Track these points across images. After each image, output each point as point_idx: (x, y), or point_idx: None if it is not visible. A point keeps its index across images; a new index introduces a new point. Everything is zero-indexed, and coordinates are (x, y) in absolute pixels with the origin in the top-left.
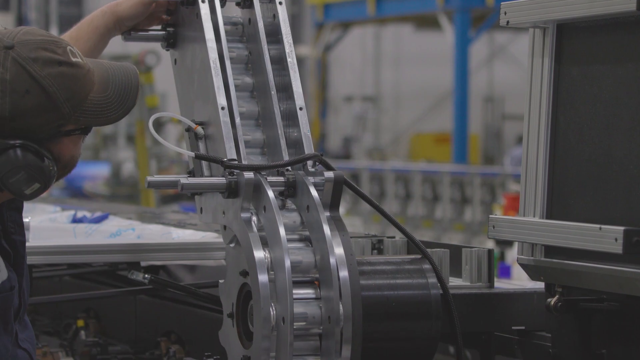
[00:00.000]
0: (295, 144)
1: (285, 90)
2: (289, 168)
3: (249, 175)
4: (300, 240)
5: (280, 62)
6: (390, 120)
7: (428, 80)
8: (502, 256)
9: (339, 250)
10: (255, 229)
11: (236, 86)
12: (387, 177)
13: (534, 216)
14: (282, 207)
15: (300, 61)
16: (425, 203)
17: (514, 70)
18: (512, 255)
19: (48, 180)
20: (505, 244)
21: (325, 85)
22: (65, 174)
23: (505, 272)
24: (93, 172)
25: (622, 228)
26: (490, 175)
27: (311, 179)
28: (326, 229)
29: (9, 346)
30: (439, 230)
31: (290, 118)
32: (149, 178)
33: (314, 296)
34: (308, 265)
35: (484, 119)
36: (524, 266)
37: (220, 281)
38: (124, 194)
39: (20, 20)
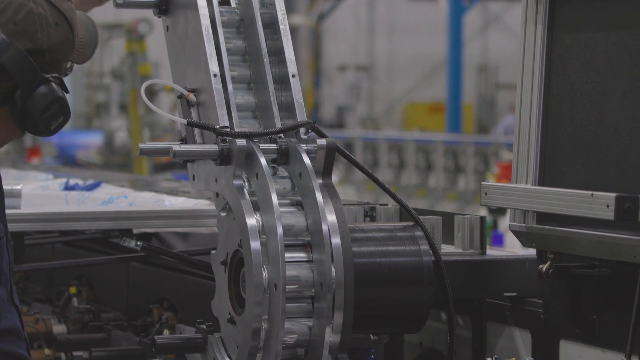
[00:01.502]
0: (287, 111)
1: (277, 56)
2: (282, 135)
3: (241, 142)
4: (291, 204)
5: (272, 28)
6: (383, 90)
7: (422, 49)
8: (494, 224)
9: (331, 217)
10: (247, 196)
11: (228, 50)
12: (380, 147)
13: (526, 183)
14: (275, 174)
15: (293, 30)
16: (418, 172)
17: (508, 40)
18: (505, 223)
19: (69, 113)
20: (498, 212)
21: (319, 54)
22: None
23: (498, 241)
24: (86, 141)
25: (613, 194)
26: (484, 144)
27: (304, 146)
28: (318, 196)
29: (4, 297)
30: (432, 199)
31: (283, 85)
32: (141, 145)
33: (306, 259)
34: (300, 229)
35: (478, 88)
36: (516, 233)
37: (212, 251)
38: (117, 162)
39: None
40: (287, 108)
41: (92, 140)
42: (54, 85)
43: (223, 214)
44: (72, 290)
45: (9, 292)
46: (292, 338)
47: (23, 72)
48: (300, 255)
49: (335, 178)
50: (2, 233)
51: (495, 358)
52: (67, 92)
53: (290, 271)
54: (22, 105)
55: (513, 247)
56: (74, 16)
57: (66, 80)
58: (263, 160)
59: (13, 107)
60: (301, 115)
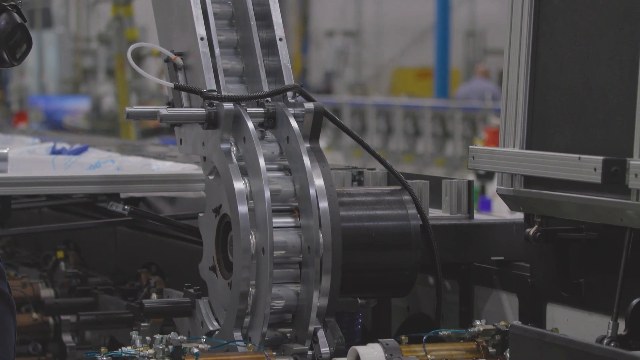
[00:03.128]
0: (274, 75)
1: (264, 21)
2: (269, 99)
3: (228, 106)
4: (279, 169)
5: None
6: (371, 55)
7: (409, 14)
8: (482, 190)
9: (318, 182)
10: (234, 159)
11: (215, 14)
12: (368, 112)
13: (514, 147)
14: (262, 138)
15: None
16: (406, 138)
17: (496, 4)
18: (493, 189)
19: (31, 41)
20: (486, 178)
21: (306, 19)
22: None
23: (486, 206)
24: (73, 107)
25: (600, 158)
26: (472, 109)
27: (291, 110)
28: (306, 160)
29: None
30: (420, 165)
31: (270, 49)
32: (128, 109)
33: (293, 224)
34: (287, 194)
35: (466, 54)
36: (503, 197)
37: (199, 214)
38: (104, 128)
39: None
40: (275, 72)
41: (79, 105)
42: (13, 13)
43: (211, 178)
44: (60, 254)
45: None
46: (279, 303)
47: None
48: (288, 220)
49: (323, 144)
50: None
51: (483, 321)
52: (25, 20)
53: (278, 237)
54: None
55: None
56: None
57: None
58: (250, 124)
59: None
60: (288, 80)
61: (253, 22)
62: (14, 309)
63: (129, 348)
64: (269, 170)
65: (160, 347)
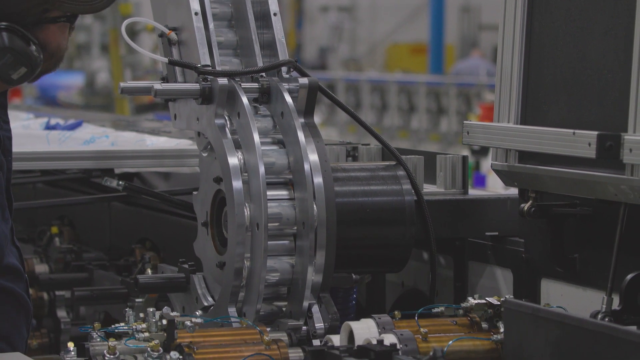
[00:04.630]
0: (269, 50)
1: None
2: (263, 74)
3: (222, 81)
4: (273, 143)
5: None
6: (366, 31)
7: None
8: (477, 166)
9: (313, 157)
10: (229, 135)
11: None
12: (363, 88)
13: (508, 122)
14: (256, 113)
15: None
16: (401, 114)
17: None
18: (487, 164)
19: (34, 65)
20: (480, 153)
21: None
22: (54, 65)
23: (480, 182)
24: (67, 82)
25: (595, 132)
26: (466, 85)
27: (285, 85)
28: (300, 135)
29: (7, 234)
30: (414, 141)
31: (264, 24)
32: (122, 84)
33: (288, 197)
34: (281, 166)
35: (460, 29)
36: (498, 172)
37: (193, 192)
38: (98, 103)
39: None
40: (269, 47)
41: (74, 81)
42: (4, 34)
43: (204, 155)
44: (54, 230)
45: (10, 233)
46: (274, 276)
47: None
48: (282, 193)
49: (317, 119)
50: (9, 173)
51: (477, 296)
52: (35, 43)
53: (273, 209)
54: None
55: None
56: None
57: None
58: (245, 99)
59: None
60: (283, 54)
61: None
62: (29, 310)
63: (122, 324)
64: (263, 144)
65: (154, 321)
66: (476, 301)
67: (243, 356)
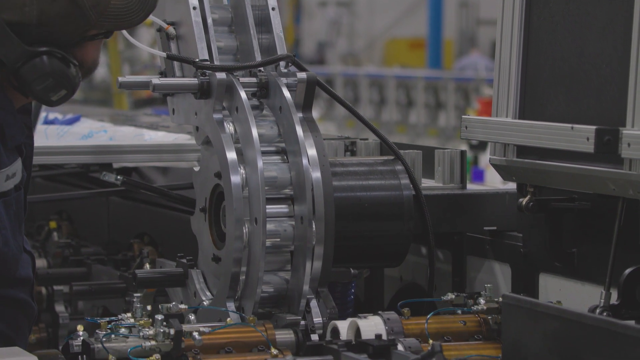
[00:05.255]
0: (267, 45)
1: None
2: (262, 69)
3: (221, 75)
4: (277, 152)
5: None
6: (364, 26)
7: None
8: (475, 161)
9: (311, 152)
10: (227, 129)
11: None
12: (361, 83)
13: (507, 116)
14: (255, 108)
15: None
16: (399, 108)
17: None
18: (486, 159)
19: (74, 86)
20: (478, 148)
21: None
22: (87, 77)
23: (479, 177)
24: None
25: (593, 127)
26: (465, 80)
27: (284, 80)
28: (299, 130)
29: (21, 245)
30: (413, 135)
31: (263, 19)
32: (121, 78)
33: (287, 215)
34: (284, 181)
35: (459, 24)
36: (496, 166)
37: (194, 168)
38: (97, 98)
39: None
40: (267, 42)
41: None
42: (45, 59)
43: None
44: (52, 224)
45: (23, 242)
46: (270, 288)
47: (2, 44)
48: (283, 208)
49: (315, 114)
50: (23, 182)
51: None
52: (75, 64)
53: (270, 226)
54: (15, 75)
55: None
56: None
57: None
58: (243, 94)
59: (7, 76)
60: (281, 49)
61: None
62: (34, 317)
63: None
64: (265, 154)
65: (162, 331)
66: (487, 305)
67: None
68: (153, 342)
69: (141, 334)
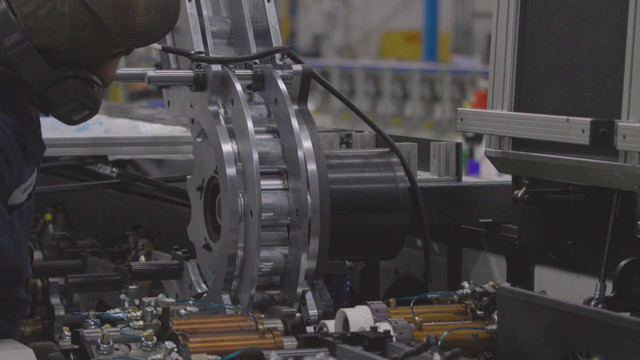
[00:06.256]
0: (262, 37)
1: None
2: (257, 61)
3: (216, 68)
4: (267, 132)
5: None
6: (360, 18)
7: None
8: (471, 153)
9: (307, 144)
10: (223, 122)
11: None
12: (357, 75)
13: (502, 108)
14: (250, 100)
15: None
16: (395, 101)
17: None
18: (481, 152)
19: (97, 106)
20: (474, 141)
21: None
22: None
23: (474, 169)
24: None
25: (589, 119)
26: (460, 72)
27: (279, 72)
28: (294, 122)
29: (27, 245)
30: (408, 128)
31: (258, 11)
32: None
33: (282, 187)
34: (276, 156)
35: (454, 17)
36: (492, 159)
37: (187, 176)
38: None
39: None
40: (263, 34)
41: None
42: (70, 82)
43: (199, 140)
44: (48, 217)
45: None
46: (267, 265)
47: (30, 68)
48: (276, 182)
49: (311, 107)
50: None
51: (472, 283)
52: (100, 85)
53: (266, 199)
54: (40, 96)
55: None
56: (112, 15)
57: None
58: (238, 86)
59: (31, 95)
60: (277, 42)
61: None
62: (27, 309)
63: (118, 310)
64: (257, 132)
65: (149, 310)
66: (471, 289)
67: (237, 344)
68: (141, 322)
69: (129, 316)
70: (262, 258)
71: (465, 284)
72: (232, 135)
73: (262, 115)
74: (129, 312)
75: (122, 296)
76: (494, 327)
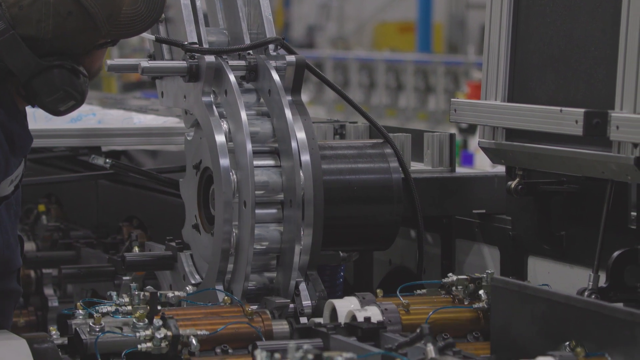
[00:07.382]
0: (256, 28)
1: None
2: (250, 52)
3: (210, 58)
4: (258, 114)
5: None
6: (354, 9)
7: None
8: (464, 144)
9: (300, 135)
10: (216, 112)
11: None
12: (351, 66)
13: (496, 99)
14: (244, 91)
15: None
16: (389, 92)
17: None
18: (475, 143)
19: (83, 96)
20: (468, 132)
21: None
22: (90, 81)
23: (468, 160)
24: None
25: (582, 110)
26: (454, 64)
27: (273, 63)
28: (288, 113)
29: (17, 238)
30: (402, 119)
31: (252, 2)
32: (109, 61)
33: (274, 165)
34: (266, 135)
35: (448, 8)
36: (485, 149)
37: (180, 180)
38: None
39: None
40: (256, 25)
41: None
42: (56, 72)
43: (189, 138)
44: (41, 208)
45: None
46: (263, 245)
47: (15, 58)
48: (269, 162)
49: (305, 98)
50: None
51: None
52: (85, 75)
53: (260, 177)
54: (26, 86)
55: (483, 167)
56: (97, 3)
57: None
58: (232, 77)
59: (16, 86)
60: (270, 32)
61: None
62: (19, 299)
63: (106, 302)
64: (248, 117)
65: (137, 293)
66: (458, 276)
67: (225, 323)
68: (129, 307)
69: (117, 302)
70: (257, 236)
71: (451, 274)
72: (222, 116)
73: (251, 101)
74: (118, 300)
75: (110, 293)
76: (481, 304)
